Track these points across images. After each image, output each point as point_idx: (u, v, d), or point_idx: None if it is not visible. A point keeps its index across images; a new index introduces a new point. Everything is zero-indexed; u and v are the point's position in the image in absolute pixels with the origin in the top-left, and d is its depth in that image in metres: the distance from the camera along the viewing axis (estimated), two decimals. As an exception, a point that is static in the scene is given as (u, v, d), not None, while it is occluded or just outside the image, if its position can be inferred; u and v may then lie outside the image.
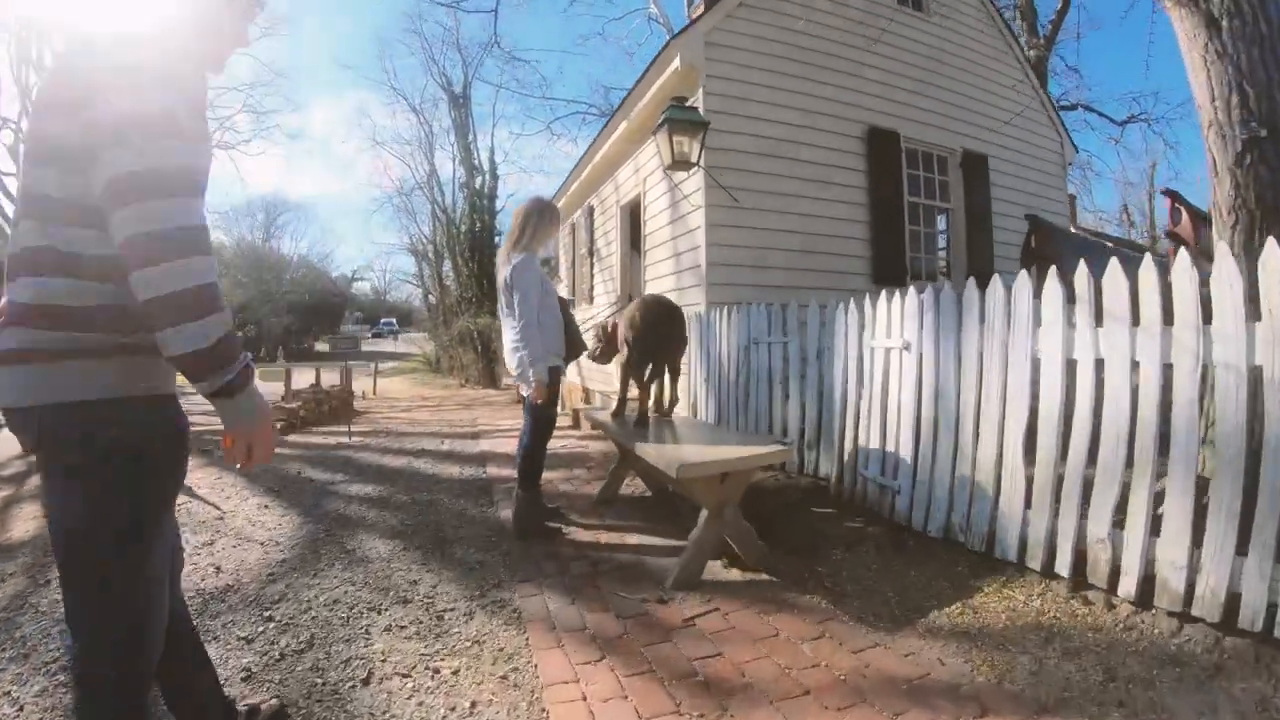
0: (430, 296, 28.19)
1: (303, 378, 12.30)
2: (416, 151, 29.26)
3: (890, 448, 2.98)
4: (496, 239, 28.03)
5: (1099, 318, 2.28)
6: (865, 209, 6.08)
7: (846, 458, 3.27)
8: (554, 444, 6.18)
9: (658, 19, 17.13)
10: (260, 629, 2.47)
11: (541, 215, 3.37)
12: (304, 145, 76.41)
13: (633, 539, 3.14)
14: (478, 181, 22.18)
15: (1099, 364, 2.28)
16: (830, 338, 3.39)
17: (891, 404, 2.96)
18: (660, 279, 6.19)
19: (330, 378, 11.24)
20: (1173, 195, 5.09)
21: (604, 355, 3.65)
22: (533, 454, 3.40)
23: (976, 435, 2.61)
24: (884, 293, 3.06)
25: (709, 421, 4.61)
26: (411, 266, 33.29)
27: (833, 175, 5.92)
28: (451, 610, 2.48)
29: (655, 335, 3.38)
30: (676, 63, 5.23)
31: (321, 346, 36.46)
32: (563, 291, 11.56)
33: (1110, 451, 2.25)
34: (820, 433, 3.47)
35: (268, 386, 11.17)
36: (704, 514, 2.51)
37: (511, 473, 4.32)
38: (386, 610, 2.54)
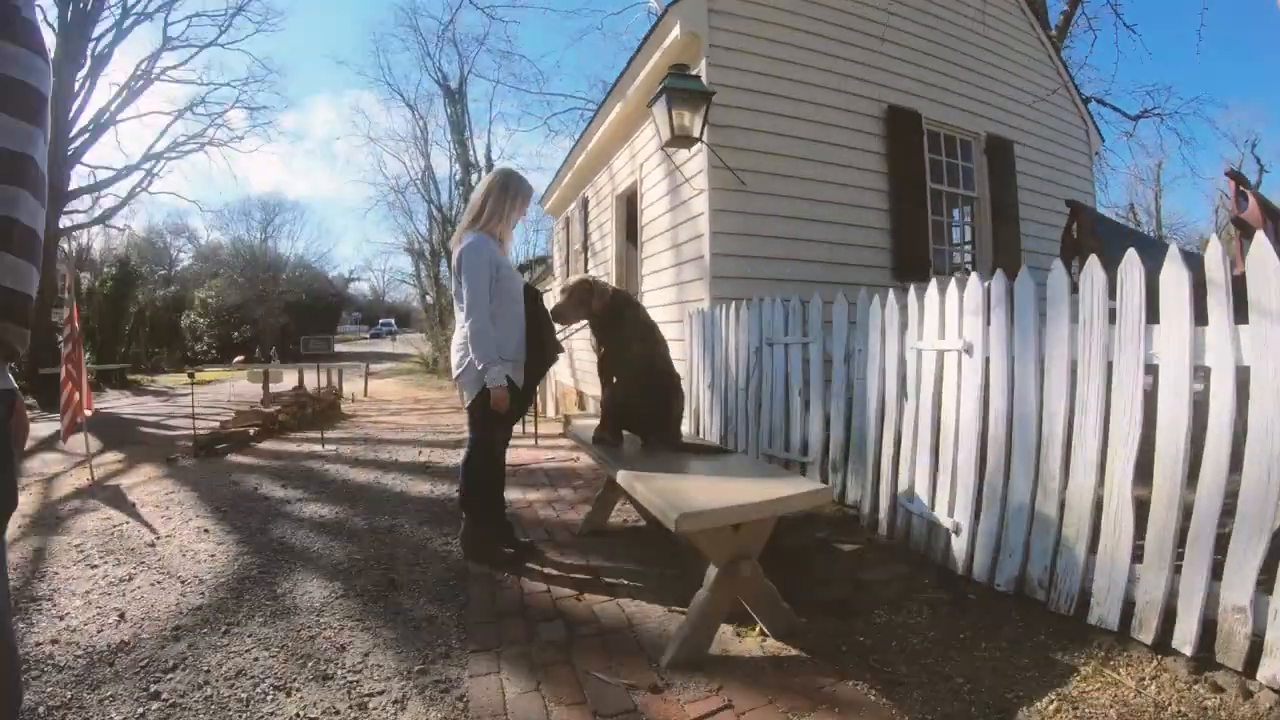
0: (427, 296, 27.60)
1: (292, 379, 11.79)
2: (411, 148, 28.61)
3: (944, 475, 2.38)
4: (493, 238, 27.43)
5: (1240, 312, 1.70)
6: (885, 196, 5.49)
7: (884, 484, 2.67)
8: (541, 455, 5.70)
9: (657, 12, 16.57)
10: (140, 711, 1.90)
11: (505, 189, 2.81)
12: (303, 145, 75.78)
13: (622, 589, 2.51)
14: (474, 179, 21.62)
15: (1242, 373, 1.69)
16: (862, 338, 2.79)
17: (947, 421, 2.37)
18: (659, 273, 5.60)
19: (320, 379, 10.65)
20: (1237, 178, 4.49)
21: (562, 315, 2.96)
22: (470, 480, 2.84)
23: (1066, 465, 2.02)
24: (932, 283, 2.46)
25: (714, 439, 4.02)
26: (409, 266, 32.71)
27: (850, 157, 5.32)
28: (380, 695, 1.89)
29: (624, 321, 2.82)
30: (676, 31, 4.65)
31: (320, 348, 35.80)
32: (552, 293, 10.77)
33: (1257, 491, 1.66)
34: (849, 452, 2.88)
35: (269, 386, 10.63)
36: (712, 571, 1.91)
37: (510, 494, 3.76)
38: (299, 690, 1.95)
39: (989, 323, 2.23)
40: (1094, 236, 4.88)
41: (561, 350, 3.11)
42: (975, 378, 2.25)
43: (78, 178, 18.86)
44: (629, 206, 6.80)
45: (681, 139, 4.16)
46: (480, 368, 2.65)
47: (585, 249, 8.36)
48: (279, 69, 36.97)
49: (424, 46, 27.49)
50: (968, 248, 6.48)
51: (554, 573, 2.71)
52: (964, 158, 6.27)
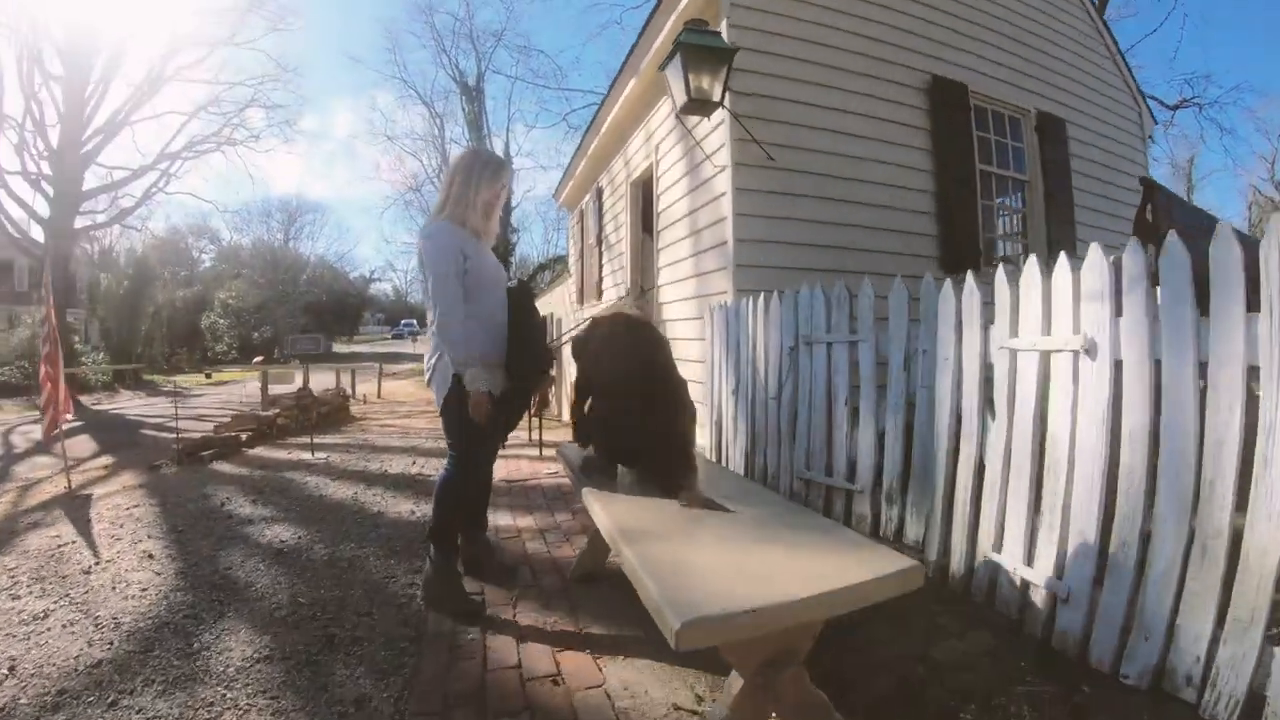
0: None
1: (318, 380, 11.41)
2: (429, 146, 28.28)
3: (1050, 520, 1.76)
4: (512, 236, 27.10)
5: None
6: (930, 176, 4.85)
7: (959, 525, 2.06)
8: (542, 469, 5.01)
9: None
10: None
11: (471, 169, 2.34)
12: (323, 147, 76.22)
13: (615, 667, 1.92)
14: (505, 198, 21.17)
15: None
16: (928, 335, 2.19)
17: (1055, 446, 1.75)
18: (676, 264, 5.02)
19: (330, 381, 10.26)
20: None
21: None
22: (443, 506, 2.37)
23: (1243, 511, 1.41)
24: (1032, 260, 1.85)
25: (738, 457, 3.42)
26: (428, 266, 32.28)
27: (889, 132, 4.70)
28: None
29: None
30: (692, -14, 4.08)
31: (340, 347, 35.94)
32: (567, 291, 10.28)
33: None
34: (910, 479, 2.27)
35: (279, 387, 10.25)
36: (736, 680, 1.32)
37: (499, 518, 3.23)
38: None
39: (1119, 313, 1.62)
40: (1171, 218, 4.21)
41: (553, 358, 2.61)
42: (1100, 388, 1.64)
43: (94, 177, 18.90)
44: (644, 193, 6.24)
45: (699, 104, 3.58)
46: (456, 365, 2.22)
47: (600, 242, 7.81)
48: (295, 68, 36.95)
49: (440, 43, 27.14)
50: (1017, 236, 5.81)
51: (531, 632, 2.13)
52: (1013, 136, 5.61)
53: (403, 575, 2.71)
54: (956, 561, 2.06)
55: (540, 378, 2.58)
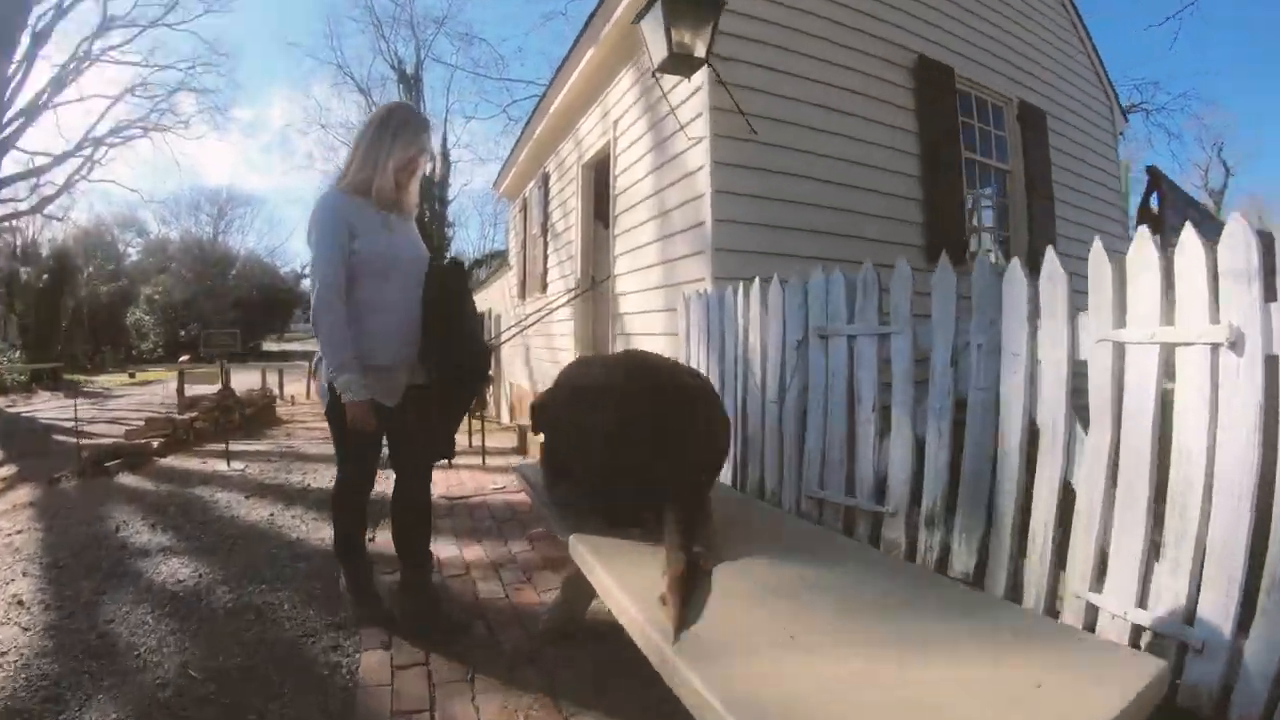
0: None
1: (244, 379, 10.46)
2: (365, 136, 26.91)
3: (1177, 552, 1.39)
4: (448, 230, 26.12)
5: None
6: (916, 160, 4.56)
7: (1037, 557, 1.67)
8: (487, 483, 4.17)
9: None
10: None
11: (385, 125, 1.95)
12: (257, 139, 72.10)
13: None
14: (428, 168, 20.30)
15: None
16: (982, 325, 1.80)
17: (1186, 461, 1.36)
18: (637, 250, 4.56)
19: (257, 380, 9.35)
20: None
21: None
22: (337, 520, 2.16)
23: None
24: (1142, 231, 1.47)
25: (724, 480, 2.97)
26: (363, 260, 30.85)
27: (876, 111, 4.38)
28: None
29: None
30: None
31: (271, 345, 34.10)
32: (507, 285, 9.55)
33: None
34: (958, 500, 1.88)
35: (201, 388, 9.33)
36: None
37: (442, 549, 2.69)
38: None
39: (1273, 296, 1.26)
40: (1176, 209, 4.06)
41: (486, 361, 2.18)
42: (1249, 389, 1.27)
43: (14, 163, 17.35)
44: (598, 176, 5.78)
45: (680, 61, 3.13)
46: (330, 369, 1.86)
47: (545, 231, 7.31)
48: (228, 52, 34.68)
49: (379, 29, 25.86)
50: (997, 230, 5.61)
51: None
52: (996, 125, 5.41)
53: (324, 633, 2.14)
54: (1033, 600, 1.67)
55: (477, 378, 2.14)
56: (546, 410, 1.79)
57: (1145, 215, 3.89)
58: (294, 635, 2.14)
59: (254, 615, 2.30)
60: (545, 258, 7.29)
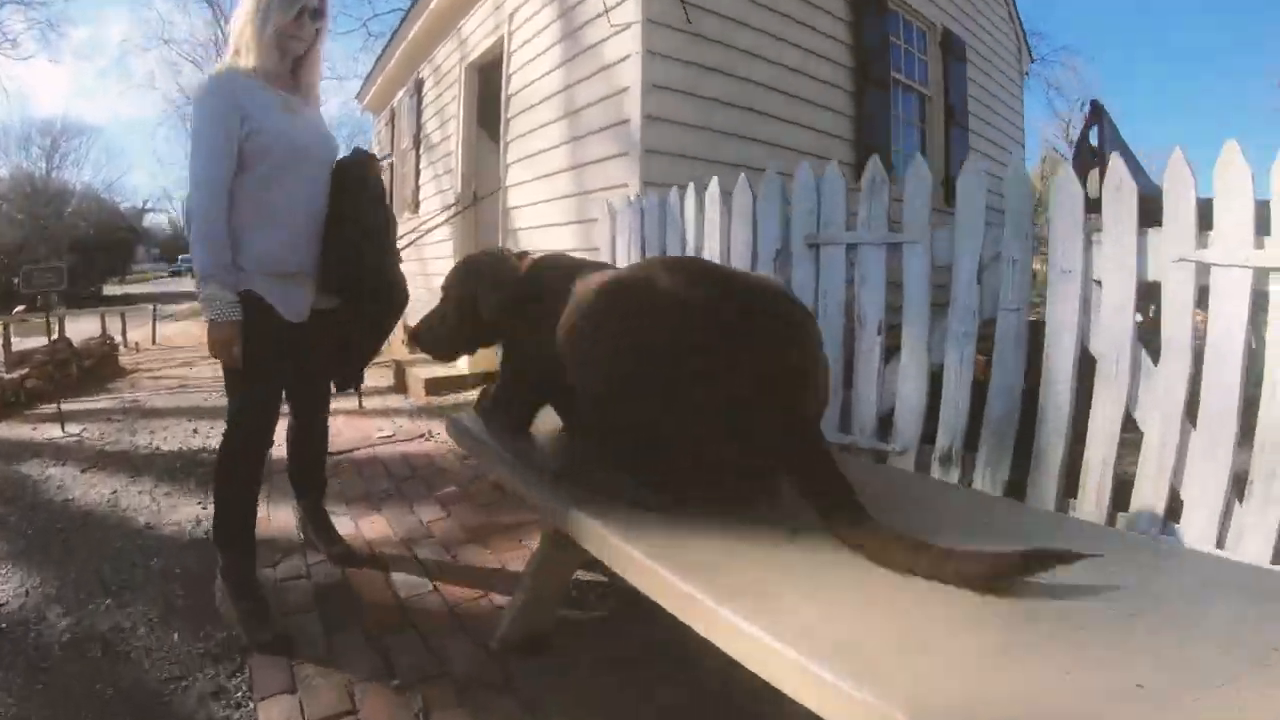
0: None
1: (81, 328, 8.69)
2: (211, 52, 23.45)
3: (1267, 489, 1.12)
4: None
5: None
6: (849, 73, 4.24)
7: (1089, 497, 1.38)
8: (372, 430, 3.48)
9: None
10: None
11: None
12: (94, 62, 61.45)
13: None
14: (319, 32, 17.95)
15: None
16: (1016, 235, 1.45)
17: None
18: (538, 155, 3.95)
19: (96, 328, 7.74)
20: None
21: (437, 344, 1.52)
22: (222, 485, 1.64)
23: None
24: (1229, 145, 1.16)
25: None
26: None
27: (813, 17, 3.99)
28: None
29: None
30: None
31: (112, 289, 29.74)
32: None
33: None
34: (983, 434, 1.55)
35: (37, 341, 7.50)
36: None
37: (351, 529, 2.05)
38: None
39: None
40: (1114, 144, 4.00)
41: (400, 284, 1.77)
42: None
43: None
44: (485, 78, 5.04)
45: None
46: (198, 276, 1.49)
47: (418, 144, 6.49)
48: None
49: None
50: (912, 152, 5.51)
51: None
52: (920, 49, 5.22)
53: (200, 669, 1.48)
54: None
55: (394, 297, 1.74)
56: (571, 337, 1.14)
57: (1084, 149, 3.79)
58: (156, 679, 1.44)
59: (100, 649, 1.56)
60: (418, 174, 6.50)
